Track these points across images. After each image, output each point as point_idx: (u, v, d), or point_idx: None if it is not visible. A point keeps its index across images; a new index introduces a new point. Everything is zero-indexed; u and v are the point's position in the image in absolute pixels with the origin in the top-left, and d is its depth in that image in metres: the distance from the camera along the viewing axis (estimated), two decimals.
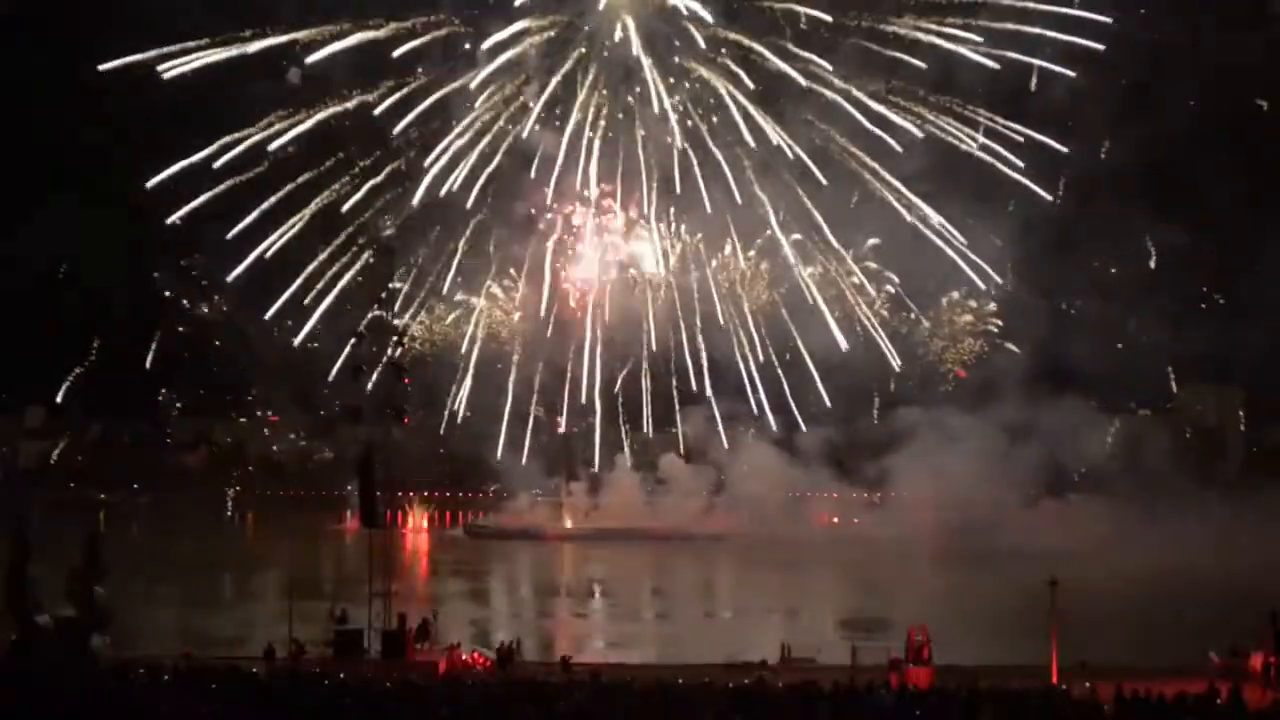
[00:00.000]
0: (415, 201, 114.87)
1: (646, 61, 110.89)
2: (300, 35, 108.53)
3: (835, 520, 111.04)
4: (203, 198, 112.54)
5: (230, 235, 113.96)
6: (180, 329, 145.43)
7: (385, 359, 53.63)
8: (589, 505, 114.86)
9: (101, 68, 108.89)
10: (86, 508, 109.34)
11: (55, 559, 38.74)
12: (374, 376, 55.18)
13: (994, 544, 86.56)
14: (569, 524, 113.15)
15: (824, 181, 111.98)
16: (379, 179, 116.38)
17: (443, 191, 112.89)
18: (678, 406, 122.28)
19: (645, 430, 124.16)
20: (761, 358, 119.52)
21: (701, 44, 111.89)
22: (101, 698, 29.19)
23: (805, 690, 33.73)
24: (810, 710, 31.17)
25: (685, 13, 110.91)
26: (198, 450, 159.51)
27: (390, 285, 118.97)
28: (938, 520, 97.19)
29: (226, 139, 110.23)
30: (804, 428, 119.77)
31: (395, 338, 54.41)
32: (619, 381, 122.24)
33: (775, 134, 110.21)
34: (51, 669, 31.77)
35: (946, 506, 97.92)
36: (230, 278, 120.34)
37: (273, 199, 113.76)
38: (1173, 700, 31.50)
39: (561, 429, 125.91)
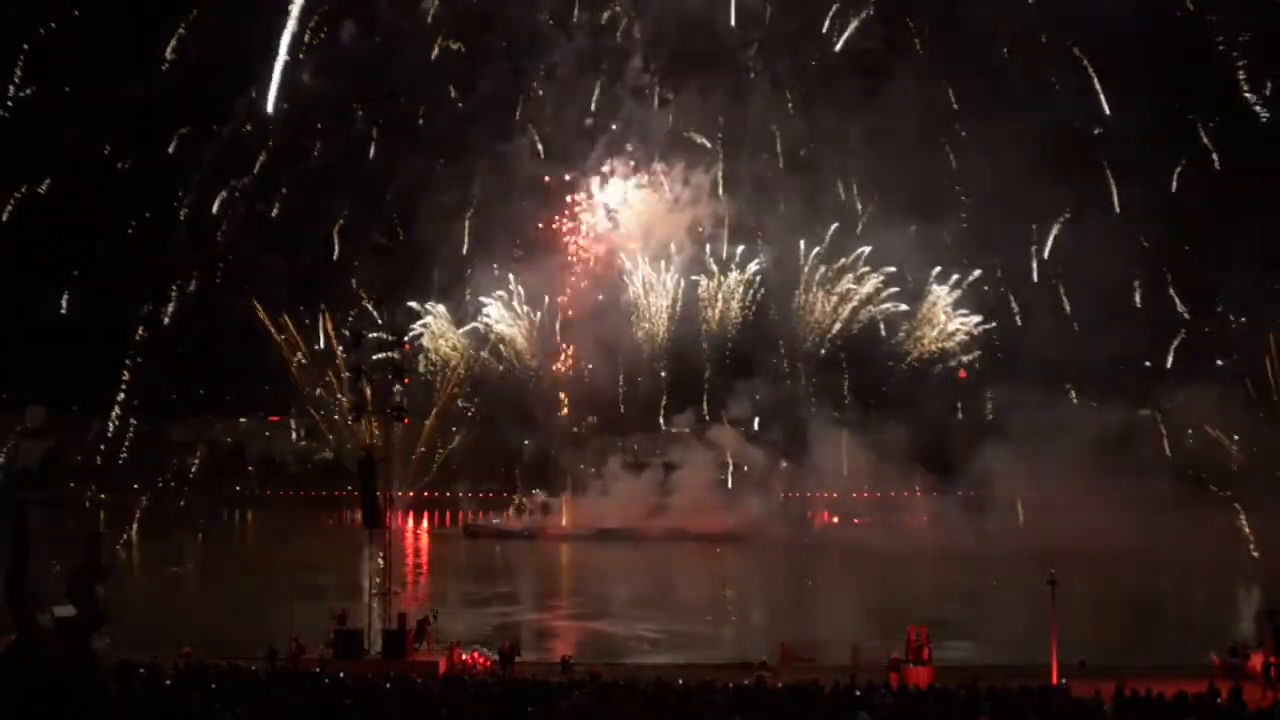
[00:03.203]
0: None
1: None
2: None
3: (835, 520, 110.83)
4: None
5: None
6: None
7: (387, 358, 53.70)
8: (655, 504, 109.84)
9: None
10: (86, 508, 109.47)
11: (55, 559, 38.75)
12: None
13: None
14: (564, 522, 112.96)
15: None
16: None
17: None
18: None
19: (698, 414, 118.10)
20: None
21: None
22: (101, 698, 29.15)
23: (805, 690, 33.72)
24: (810, 710, 31.14)
25: None
26: (198, 450, 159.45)
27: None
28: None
29: None
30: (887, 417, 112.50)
31: (396, 338, 54.41)
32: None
33: None
34: (51, 669, 31.71)
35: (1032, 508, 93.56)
36: None
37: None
38: (1173, 700, 31.47)
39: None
